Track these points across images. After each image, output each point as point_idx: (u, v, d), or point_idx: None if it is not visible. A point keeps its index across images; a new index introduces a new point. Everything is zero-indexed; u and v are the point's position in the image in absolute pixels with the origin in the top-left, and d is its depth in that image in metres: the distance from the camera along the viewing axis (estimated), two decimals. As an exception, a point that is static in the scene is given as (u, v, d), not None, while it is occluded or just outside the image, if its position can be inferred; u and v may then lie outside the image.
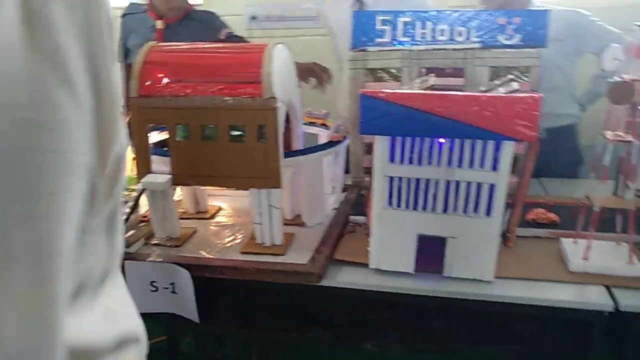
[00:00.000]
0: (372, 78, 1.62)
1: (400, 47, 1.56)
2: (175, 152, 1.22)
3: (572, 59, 2.02)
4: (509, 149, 0.98)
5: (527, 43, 1.49)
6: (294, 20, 2.53)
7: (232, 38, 2.15)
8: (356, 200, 1.51)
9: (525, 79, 1.50)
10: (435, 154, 1.02)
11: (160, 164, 1.27)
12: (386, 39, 1.57)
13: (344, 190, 1.60)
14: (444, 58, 1.54)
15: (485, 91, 1.06)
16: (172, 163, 1.23)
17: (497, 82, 1.11)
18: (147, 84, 1.19)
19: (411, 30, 1.55)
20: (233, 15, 2.69)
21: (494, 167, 1.00)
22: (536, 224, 1.31)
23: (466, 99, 0.95)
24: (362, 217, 1.36)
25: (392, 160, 1.06)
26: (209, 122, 1.18)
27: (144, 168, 1.25)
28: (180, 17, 2.10)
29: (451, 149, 1.01)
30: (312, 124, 1.62)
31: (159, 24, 2.08)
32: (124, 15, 2.19)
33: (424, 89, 1.12)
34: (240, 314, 1.36)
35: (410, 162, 1.05)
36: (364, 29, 1.58)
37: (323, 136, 1.59)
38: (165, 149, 1.26)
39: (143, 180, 1.23)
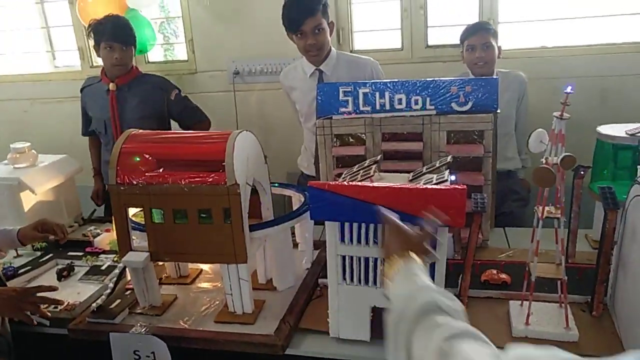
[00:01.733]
0: (339, 142, 1.75)
1: (363, 115, 1.68)
2: (152, 233, 1.34)
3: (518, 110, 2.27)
4: (444, 233, 1.09)
5: (479, 109, 1.61)
6: (274, 74, 2.68)
7: (181, 99, 2.35)
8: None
9: (480, 141, 1.62)
10: (380, 235, 1.13)
11: (140, 238, 1.39)
12: (349, 108, 1.70)
13: (317, 247, 1.71)
14: (403, 124, 1.66)
15: (418, 177, 1.17)
16: (149, 242, 1.35)
17: (431, 173, 1.21)
18: (123, 172, 1.32)
19: (371, 100, 1.67)
20: (217, 70, 2.85)
21: (433, 246, 1.11)
22: (489, 284, 1.40)
23: (399, 191, 1.06)
24: (329, 280, 1.46)
25: (342, 240, 1.17)
26: (180, 206, 1.30)
27: (124, 247, 1.37)
28: (130, 78, 2.29)
29: (393, 231, 1.12)
30: (285, 186, 1.74)
31: (112, 86, 2.27)
32: (82, 90, 2.39)
33: (368, 173, 1.23)
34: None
35: (359, 242, 1.16)
36: (328, 100, 1.71)
37: (295, 198, 1.71)
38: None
39: (124, 259, 1.35)
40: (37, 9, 3.18)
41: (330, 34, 2.06)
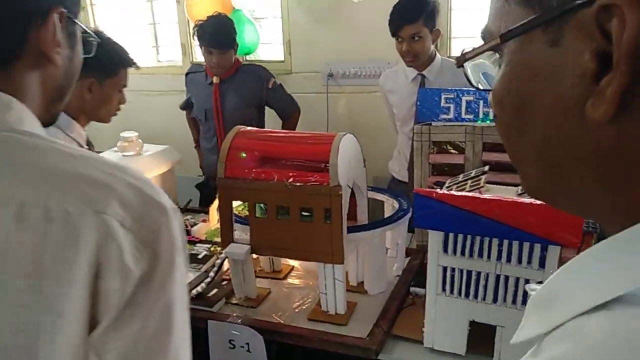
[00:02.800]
0: (436, 149, 1.72)
1: (465, 123, 1.65)
2: (255, 227, 1.40)
3: None
4: (555, 251, 1.04)
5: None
6: (367, 78, 2.69)
7: (277, 87, 2.46)
8: (418, 268, 1.61)
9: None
10: (486, 249, 1.11)
11: (240, 231, 1.45)
12: (450, 115, 1.67)
13: (409, 254, 1.70)
14: (507, 135, 1.61)
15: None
16: (251, 236, 1.40)
17: None
18: (232, 167, 1.38)
19: (475, 108, 1.63)
20: (312, 72, 2.90)
21: (541, 265, 1.07)
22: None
23: (512, 205, 1.03)
24: (422, 290, 1.45)
25: (445, 251, 1.15)
26: (283, 203, 1.34)
27: (227, 238, 1.43)
28: (232, 71, 2.41)
29: (500, 246, 1.09)
30: (379, 190, 1.74)
31: (215, 79, 2.41)
32: (187, 74, 2.54)
33: (478, 183, 1.20)
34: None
35: (463, 254, 1.14)
36: (429, 106, 1.69)
37: (388, 203, 1.70)
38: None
39: (227, 250, 1.41)
40: (147, 7, 3.40)
41: (434, 42, 2.05)
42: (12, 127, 0.55)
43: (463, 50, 0.40)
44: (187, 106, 2.67)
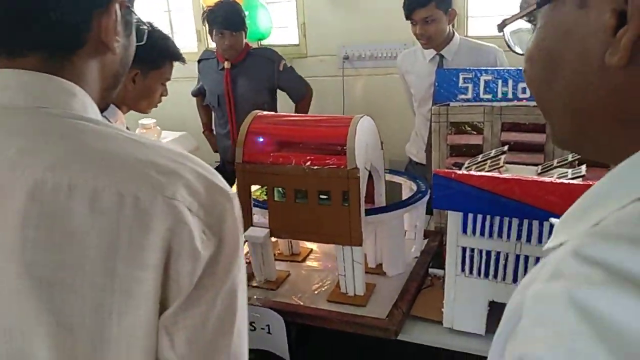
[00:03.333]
0: (454, 130, 1.71)
1: (483, 103, 1.63)
2: (273, 210, 1.41)
3: None
4: (576, 231, 1.03)
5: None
6: (383, 59, 2.68)
7: (287, 69, 2.48)
8: (436, 249, 1.61)
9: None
10: (505, 229, 1.10)
11: (259, 214, 1.47)
12: (469, 96, 1.65)
13: (426, 236, 1.70)
14: (526, 114, 1.59)
15: (548, 170, 1.11)
16: (270, 219, 1.41)
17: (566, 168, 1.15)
18: (250, 152, 1.39)
19: (493, 88, 1.61)
20: (327, 55, 2.89)
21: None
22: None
23: (532, 184, 1.02)
24: (441, 271, 1.45)
25: (464, 231, 1.15)
26: (301, 186, 1.35)
27: (246, 222, 1.45)
28: (242, 56, 2.42)
29: (520, 226, 1.08)
30: (396, 172, 1.74)
31: (226, 64, 2.43)
32: (199, 61, 2.55)
33: (497, 163, 1.19)
34: (324, 358, 1.52)
35: (482, 234, 1.13)
36: (447, 86, 1.67)
37: (406, 185, 1.70)
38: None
39: (246, 233, 1.43)
40: (161, -6, 3.41)
41: (450, 23, 2.02)
42: (79, 114, 0.56)
43: (504, 19, 0.47)
44: (198, 93, 2.70)
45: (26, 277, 0.50)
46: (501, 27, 0.48)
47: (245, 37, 2.44)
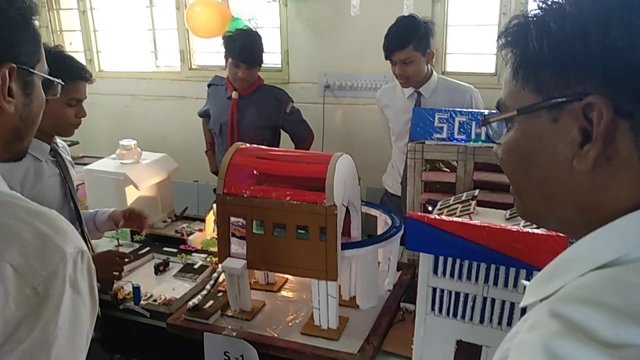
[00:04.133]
0: (429, 167, 1.77)
1: (457, 143, 1.70)
2: (251, 242, 1.44)
3: None
4: (540, 277, 1.09)
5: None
6: (363, 90, 2.75)
7: (294, 112, 2.48)
8: (409, 283, 1.65)
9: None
10: (474, 272, 1.15)
11: (237, 245, 1.49)
12: (443, 135, 1.72)
13: (399, 268, 1.74)
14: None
15: (515, 216, 1.17)
16: (247, 251, 1.44)
17: None
18: (230, 184, 1.42)
19: (467, 129, 1.68)
20: (309, 82, 2.94)
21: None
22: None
23: (500, 232, 1.08)
24: (412, 305, 1.49)
25: (435, 272, 1.20)
26: (280, 220, 1.38)
27: (224, 252, 1.47)
28: (252, 89, 2.40)
29: (487, 270, 1.14)
30: (372, 205, 1.78)
31: (234, 94, 2.40)
32: (209, 85, 2.54)
33: (468, 208, 1.25)
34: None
35: (452, 276, 1.18)
36: (423, 125, 1.74)
37: (381, 219, 1.75)
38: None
39: (224, 264, 1.45)
40: (146, 12, 3.42)
41: (428, 63, 2.10)
42: None
43: (485, 114, 0.59)
44: (204, 114, 2.66)
45: None
46: (484, 123, 0.58)
47: (259, 71, 2.42)
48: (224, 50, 2.37)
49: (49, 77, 0.74)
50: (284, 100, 2.44)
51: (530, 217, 0.58)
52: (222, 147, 2.48)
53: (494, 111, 0.57)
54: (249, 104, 2.40)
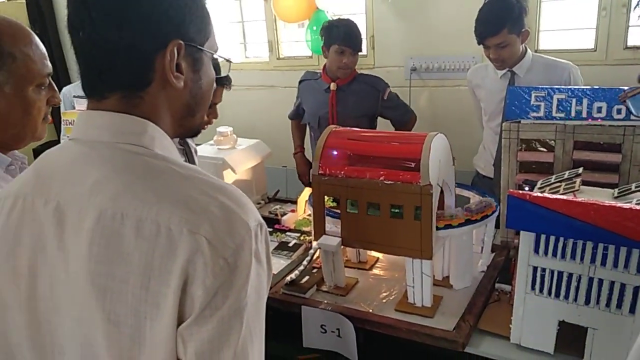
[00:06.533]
0: (524, 147, 1.71)
1: (555, 121, 1.63)
2: (346, 221, 1.48)
3: None
4: (657, 259, 1.04)
5: (696, 123, 1.46)
6: (450, 72, 2.69)
7: (392, 97, 2.46)
8: (503, 264, 1.63)
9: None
10: (579, 252, 1.12)
11: (331, 223, 1.54)
12: (540, 114, 1.66)
13: (493, 250, 1.72)
14: (600, 133, 1.58)
15: (626, 194, 1.12)
16: (342, 229, 1.49)
17: None
18: (325, 165, 1.47)
19: (567, 106, 1.61)
20: (395, 66, 2.93)
21: (639, 270, 1.07)
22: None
23: (610, 210, 1.04)
24: (507, 286, 1.48)
25: (536, 251, 1.18)
26: (374, 200, 1.41)
27: (319, 230, 1.53)
28: (349, 79, 2.41)
29: (594, 249, 1.10)
30: (465, 187, 1.77)
31: (332, 86, 2.42)
32: (301, 82, 2.58)
33: (572, 186, 1.21)
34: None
35: (555, 255, 1.16)
36: (518, 104, 1.69)
37: (474, 200, 1.73)
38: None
39: (320, 241, 1.51)
40: (235, 5, 3.57)
41: (523, 43, 2.02)
42: (145, 149, 0.70)
43: (625, 89, 0.53)
44: (296, 116, 2.70)
45: (89, 282, 0.65)
46: (623, 98, 0.55)
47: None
48: (322, 41, 2.39)
49: (218, 55, 0.78)
50: (380, 88, 2.44)
51: None
52: None
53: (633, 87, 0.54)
54: (347, 94, 2.42)
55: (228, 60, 0.84)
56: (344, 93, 2.42)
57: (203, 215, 0.63)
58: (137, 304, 0.63)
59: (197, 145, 2.42)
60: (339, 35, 2.31)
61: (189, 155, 1.67)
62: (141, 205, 0.64)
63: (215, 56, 0.78)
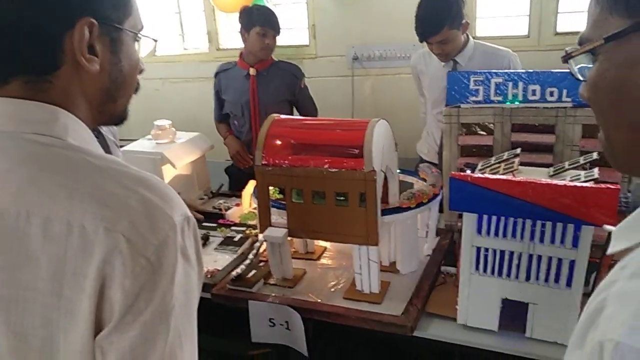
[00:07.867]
0: (465, 131, 1.74)
1: (493, 105, 1.67)
2: (291, 211, 1.45)
3: None
4: (588, 232, 1.07)
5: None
6: (392, 60, 2.71)
7: (305, 88, 2.51)
8: (448, 247, 1.65)
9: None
10: (519, 230, 1.14)
11: (277, 215, 1.51)
12: (479, 98, 1.69)
13: (437, 234, 1.74)
14: (535, 115, 1.63)
15: (560, 172, 1.15)
16: (288, 220, 1.46)
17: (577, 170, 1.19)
18: (269, 155, 1.43)
19: (503, 90, 1.65)
20: (337, 55, 2.92)
21: (574, 245, 1.10)
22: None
23: (547, 187, 1.06)
24: (453, 268, 1.50)
25: (479, 232, 1.19)
26: (320, 188, 1.39)
27: (265, 222, 1.50)
28: (267, 64, 2.44)
29: (533, 227, 1.13)
30: (409, 172, 1.78)
31: (252, 71, 2.43)
32: (217, 74, 2.55)
33: (511, 166, 1.23)
34: (340, 353, 1.56)
35: (497, 235, 1.18)
36: (458, 88, 1.71)
37: (418, 185, 1.74)
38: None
39: (265, 233, 1.47)
40: (172, -5, 3.45)
41: (463, 33, 2.06)
42: (56, 139, 0.61)
43: (567, 50, 0.55)
44: (224, 117, 2.62)
45: None
46: (566, 59, 0.56)
47: None
48: (242, 23, 2.38)
49: (140, 34, 0.70)
50: (299, 76, 2.48)
51: (622, 165, 0.55)
52: (245, 128, 2.51)
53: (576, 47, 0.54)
54: (267, 79, 2.44)
55: (154, 40, 0.76)
56: (264, 78, 2.43)
57: (121, 211, 0.57)
58: (48, 313, 0.57)
59: (133, 140, 2.32)
60: (260, 18, 2.33)
61: (105, 149, 1.58)
62: (49, 201, 0.57)
63: (139, 35, 0.71)
